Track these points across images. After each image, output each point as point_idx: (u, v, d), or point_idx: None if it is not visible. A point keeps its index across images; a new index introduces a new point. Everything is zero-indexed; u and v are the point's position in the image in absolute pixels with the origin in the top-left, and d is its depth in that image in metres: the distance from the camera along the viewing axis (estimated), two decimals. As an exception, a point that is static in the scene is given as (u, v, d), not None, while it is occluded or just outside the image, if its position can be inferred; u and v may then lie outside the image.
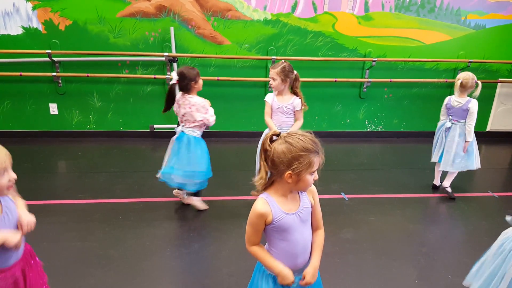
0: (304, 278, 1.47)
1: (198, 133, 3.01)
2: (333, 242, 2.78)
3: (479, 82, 3.37)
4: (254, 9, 4.72)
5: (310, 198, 1.51)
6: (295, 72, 2.98)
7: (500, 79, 5.31)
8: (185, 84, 2.88)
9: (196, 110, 2.90)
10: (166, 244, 2.77)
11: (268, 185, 1.45)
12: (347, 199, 3.54)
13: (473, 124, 3.36)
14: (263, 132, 3.22)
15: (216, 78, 4.79)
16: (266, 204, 1.41)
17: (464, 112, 3.36)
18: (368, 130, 5.46)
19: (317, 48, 4.95)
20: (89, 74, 4.65)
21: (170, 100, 3.03)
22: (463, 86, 3.33)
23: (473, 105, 3.32)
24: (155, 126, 5.05)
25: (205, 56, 4.78)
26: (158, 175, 3.05)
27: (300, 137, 1.36)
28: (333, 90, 5.16)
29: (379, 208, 3.40)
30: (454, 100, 3.42)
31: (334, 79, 4.99)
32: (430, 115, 5.22)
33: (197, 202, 3.21)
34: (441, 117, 3.60)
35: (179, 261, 2.60)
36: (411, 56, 5.09)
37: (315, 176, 1.40)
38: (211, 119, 2.96)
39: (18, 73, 4.53)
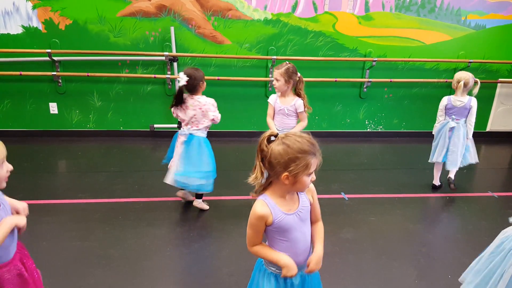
0: (308, 266, 1.47)
1: (205, 133, 3.05)
2: (333, 242, 2.78)
3: (478, 80, 3.48)
4: (254, 8, 4.72)
5: (309, 197, 1.51)
6: (298, 74, 2.98)
7: (500, 79, 5.31)
8: (194, 85, 2.90)
9: (208, 109, 2.94)
10: (166, 244, 2.77)
11: (266, 186, 1.45)
12: (347, 199, 3.54)
13: (474, 121, 3.50)
14: (264, 132, 3.22)
15: (217, 77, 4.79)
16: (265, 206, 1.41)
17: (466, 111, 3.46)
18: (368, 130, 5.46)
19: (318, 48, 4.95)
20: (89, 74, 4.64)
21: (179, 100, 2.99)
22: (465, 86, 3.41)
23: (474, 103, 3.45)
24: (155, 125, 5.05)
25: (206, 56, 4.78)
26: (168, 181, 3.02)
27: (297, 139, 1.35)
28: (333, 90, 5.16)
29: (379, 208, 3.40)
30: (456, 99, 3.46)
31: (334, 79, 4.99)
32: (430, 115, 5.20)
33: (201, 203, 3.23)
34: (440, 118, 3.61)
35: (179, 261, 2.60)
36: (411, 56, 5.09)
37: (313, 177, 1.40)
38: (219, 117, 3.02)
39: (18, 73, 4.53)
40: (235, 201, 3.41)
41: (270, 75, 4.91)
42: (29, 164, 4.09)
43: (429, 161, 3.74)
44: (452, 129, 3.51)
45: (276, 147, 1.36)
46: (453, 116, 3.51)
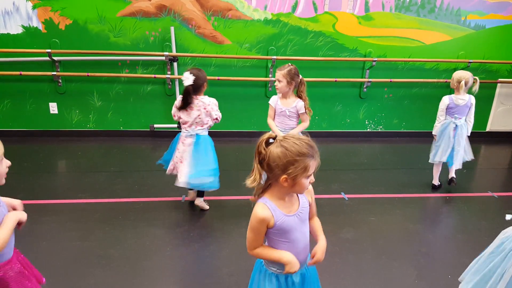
0: (312, 257, 1.50)
1: (207, 132, 3.09)
2: (333, 242, 2.78)
3: (477, 78, 3.54)
4: (254, 8, 4.72)
5: (308, 198, 1.52)
6: (300, 76, 2.98)
7: (500, 79, 5.31)
8: (199, 86, 2.91)
9: (211, 109, 2.98)
10: (166, 244, 2.77)
11: (265, 188, 1.46)
12: (347, 199, 3.54)
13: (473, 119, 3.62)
14: (263, 132, 3.22)
15: (217, 77, 4.79)
16: (266, 208, 1.40)
17: (467, 109, 3.55)
18: (368, 130, 5.46)
19: (318, 48, 4.95)
20: (89, 74, 4.65)
21: (188, 101, 2.97)
22: (466, 85, 3.47)
23: (474, 100, 3.55)
24: (155, 125, 5.05)
25: (206, 56, 4.78)
26: (181, 184, 2.98)
27: (295, 141, 1.35)
28: (333, 90, 5.16)
29: (379, 208, 3.40)
30: (459, 98, 3.50)
31: (334, 79, 4.99)
32: (430, 115, 5.20)
33: (203, 202, 3.23)
34: (441, 118, 3.60)
35: (179, 261, 2.60)
36: (411, 56, 5.09)
37: (311, 179, 1.40)
38: (221, 116, 3.08)
39: (18, 72, 4.53)
40: (235, 201, 3.41)
41: (270, 75, 4.91)
42: (29, 164, 4.09)
43: (430, 161, 3.74)
44: (455, 128, 3.54)
45: (274, 150, 1.35)
46: (456, 115, 3.53)
